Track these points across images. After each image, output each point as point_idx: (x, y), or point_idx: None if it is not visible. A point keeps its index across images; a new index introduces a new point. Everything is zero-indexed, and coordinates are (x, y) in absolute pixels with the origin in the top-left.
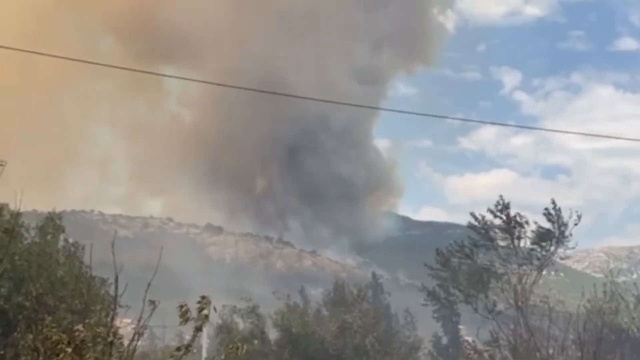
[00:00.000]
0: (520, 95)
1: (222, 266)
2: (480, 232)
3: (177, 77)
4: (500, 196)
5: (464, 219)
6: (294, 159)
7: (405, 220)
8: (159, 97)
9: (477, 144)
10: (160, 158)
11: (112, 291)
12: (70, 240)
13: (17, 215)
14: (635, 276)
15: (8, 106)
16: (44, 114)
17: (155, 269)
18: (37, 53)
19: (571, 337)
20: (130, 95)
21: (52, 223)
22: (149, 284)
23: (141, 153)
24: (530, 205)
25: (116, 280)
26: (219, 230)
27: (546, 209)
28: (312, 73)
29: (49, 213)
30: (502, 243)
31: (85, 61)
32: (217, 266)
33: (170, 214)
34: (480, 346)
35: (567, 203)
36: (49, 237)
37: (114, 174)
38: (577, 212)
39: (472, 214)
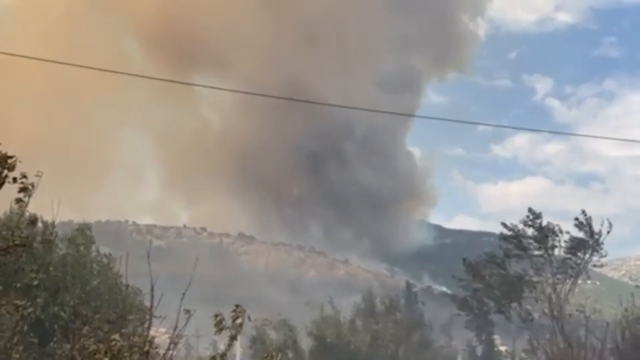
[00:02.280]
0: (553, 103)
1: (254, 275)
2: (513, 241)
3: (204, 86)
4: (529, 208)
5: (497, 227)
6: (322, 168)
7: (438, 229)
8: (189, 104)
9: (510, 152)
10: (191, 166)
11: (146, 301)
12: (103, 251)
13: (52, 226)
14: None
15: (41, 115)
16: (77, 122)
17: (190, 279)
18: (71, 64)
19: (609, 346)
20: (162, 102)
21: (82, 234)
22: (183, 294)
23: (173, 160)
24: (565, 213)
25: (152, 290)
26: (251, 239)
27: (576, 218)
28: (339, 81)
29: (79, 225)
30: (535, 252)
31: (118, 72)
32: (250, 276)
33: (203, 222)
34: (517, 356)
35: (602, 211)
36: (81, 248)
37: (147, 183)
38: (608, 220)
39: (504, 224)
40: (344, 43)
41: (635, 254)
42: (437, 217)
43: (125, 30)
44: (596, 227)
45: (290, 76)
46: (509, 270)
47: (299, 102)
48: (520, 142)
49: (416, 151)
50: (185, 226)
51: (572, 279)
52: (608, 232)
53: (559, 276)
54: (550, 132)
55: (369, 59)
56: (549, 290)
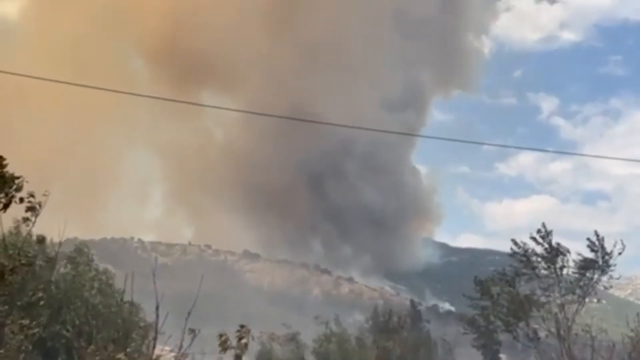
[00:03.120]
0: (558, 121)
1: (259, 293)
2: (522, 260)
3: (209, 106)
4: (543, 224)
5: (503, 246)
6: (326, 185)
7: (443, 247)
8: (194, 122)
9: (515, 170)
10: (196, 183)
11: (149, 318)
12: (107, 268)
13: (59, 245)
14: None
15: (47, 135)
16: (83, 141)
17: (195, 297)
18: (77, 85)
19: None
20: (167, 120)
21: (81, 253)
22: (189, 313)
23: (178, 178)
24: (571, 231)
25: (157, 309)
26: (255, 257)
27: (588, 239)
28: (343, 99)
29: (78, 244)
30: (544, 272)
31: (125, 92)
32: (255, 293)
33: (208, 240)
34: None
35: (609, 229)
36: (80, 267)
37: (153, 200)
38: (621, 240)
39: (514, 241)
40: (347, 62)
41: None
42: (442, 235)
43: (131, 49)
44: (606, 246)
45: (293, 95)
46: (518, 288)
47: (303, 121)
48: (525, 161)
49: (421, 169)
50: (190, 243)
51: (580, 299)
52: (620, 254)
53: (567, 296)
54: (555, 152)
55: (373, 78)
56: (555, 309)
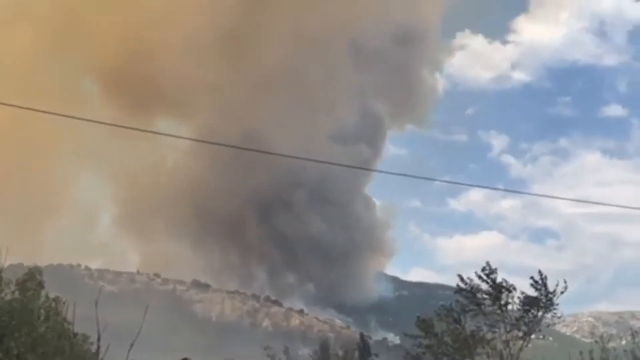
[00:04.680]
0: (508, 159)
1: (207, 324)
2: (468, 296)
3: (157, 133)
4: (487, 262)
5: (453, 280)
6: (275, 215)
7: (395, 280)
8: (145, 148)
9: (466, 206)
10: (145, 210)
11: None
12: (52, 295)
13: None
14: (624, 342)
15: None
16: (31, 164)
17: (140, 327)
18: (26, 108)
19: None
20: (118, 145)
21: (32, 279)
22: (131, 345)
23: (127, 204)
24: (519, 268)
25: (98, 340)
26: (205, 287)
27: (532, 277)
28: (296, 130)
29: (30, 269)
30: (489, 308)
31: (76, 117)
32: (203, 324)
33: (158, 267)
34: None
35: (556, 267)
36: (29, 292)
37: (101, 227)
38: (564, 280)
39: (460, 277)
40: (301, 92)
41: (588, 311)
42: (394, 269)
43: (82, 73)
44: (551, 283)
45: (245, 123)
46: (464, 325)
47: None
48: (476, 197)
49: (375, 202)
50: (138, 272)
51: (525, 336)
52: (562, 293)
53: (512, 333)
54: (505, 190)
55: (327, 109)
56: (500, 346)
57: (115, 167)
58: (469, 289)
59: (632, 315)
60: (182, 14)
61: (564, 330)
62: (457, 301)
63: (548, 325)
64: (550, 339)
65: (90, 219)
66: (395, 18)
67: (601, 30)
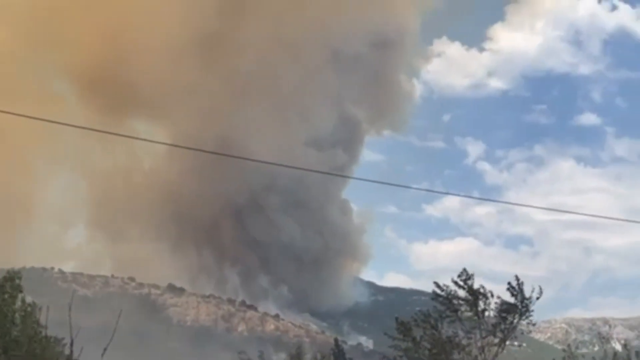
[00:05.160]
0: (484, 166)
1: (182, 329)
2: (445, 302)
3: (134, 137)
4: (464, 268)
5: (428, 286)
6: (250, 220)
7: (371, 285)
8: (121, 150)
9: (442, 212)
10: (121, 211)
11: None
12: (28, 299)
13: None
14: (597, 348)
15: None
16: (1, 166)
17: (113, 331)
18: (2, 112)
19: None
20: (92, 145)
21: (10, 282)
22: (105, 349)
23: (102, 207)
24: (494, 274)
25: (71, 344)
26: (180, 291)
27: (509, 283)
28: (272, 135)
29: (8, 272)
30: (466, 314)
31: (51, 121)
32: (177, 329)
33: (132, 271)
34: None
35: (530, 274)
36: (6, 296)
37: (75, 229)
38: (540, 287)
39: (437, 284)
40: (279, 97)
41: (561, 317)
42: (370, 274)
43: (59, 73)
44: (525, 290)
45: (221, 127)
46: (441, 331)
47: (230, 153)
48: (451, 203)
49: (351, 207)
50: (112, 276)
51: (501, 342)
52: (537, 298)
53: (487, 339)
54: (479, 198)
55: (303, 113)
56: (475, 352)
57: (90, 169)
58: (445, 295)
59: (605, 321)
60: (159, 17)
61: (537, 336)
62: (435, 307)
63: (523, 332)
64: (525, 345)
65: (64, 221)
66: (374, 24)
67: (576, 40)
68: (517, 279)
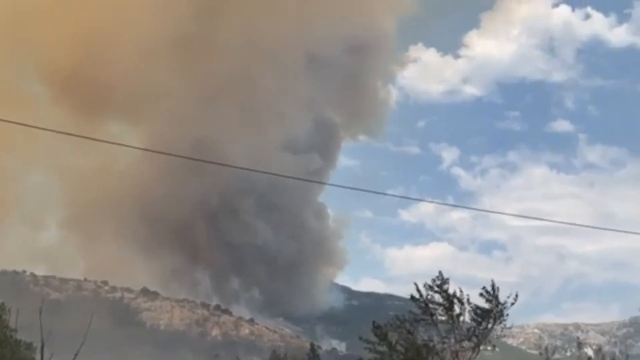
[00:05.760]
0: (459, 171)
1: (155, 333)
2: (421, 306)
3: (103, 141)
4: (440, 272)
5: (403, 291)
6: (224, 223)
7: (346, 290)
8: (94, 150)
9: (417, 217)
10: (95, 213)
11: (39, 357)
12: None
13: None
14: (569, 354)
15: None
16: None
17: (84, 336)
18: None
19: None
20: (66, 146)
21: None
22: (76, 354)
23: (75, 208)
24: (468, 279)
25: (42, 348)
26: (154, 295)
27: (484, 288)
28: (247, 139)
29: None
30: (441, 318)
31: (25, 125)
32: (151, 333)
33: (106, 274)
34: None
35: (503, 279)
36: None
37: (48, 232)
38: (516, 292)
39: (416, 287)
40: (254, 101)
41: (534, 322)
42: (345, 279)
43: (33, 74)
44: (499, 294)
45: (196, 131)
46: (417, 335)
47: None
48: (426, 209)
49: (327, 212)
50: (85, 279)
51: (475, 347)
52: (512, 304)
53: (462, 343)
54: (452, 205)
55: (280, 118)
56: (449, 357)
57: (63, 170)
58: (423, 299)
59: (577, 327)
60: (134, 19)
61: (510, 341)
62: (410, 311)
63: (498, 337)
64: (498, 349)
65: (36, 223)
66: (350, 29)
67: (550, 47)
68: (493, 284)
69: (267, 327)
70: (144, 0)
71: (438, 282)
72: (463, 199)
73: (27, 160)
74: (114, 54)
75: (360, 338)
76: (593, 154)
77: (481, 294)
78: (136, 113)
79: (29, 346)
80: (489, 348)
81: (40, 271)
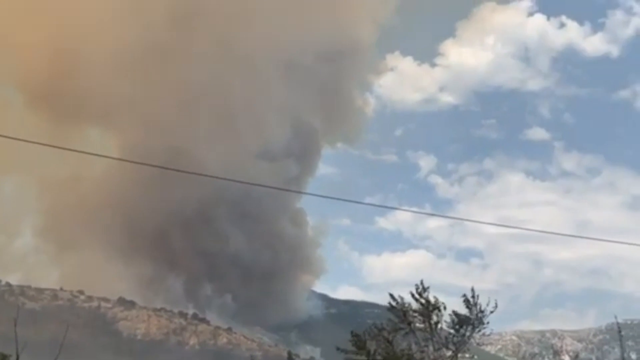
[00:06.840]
0: (436, 179)
1: (132, 343)
2: (399, 315)
3: (77, 151)
4: (421, 281)
5: (380, 298)
6: (199, 231)
7: (324, 298)
8: (70, 158)
9: (395, 225)
10: (71, 225)
11: None
12: None
13: None
14: None
15: None
16: None
17: (60, 347)
18: None
19: None
20: (41, 153)
21: None
22: None
23: (51, 216)
24: (446, 286)
25: (17, 358)
26: (131, 304)
27: (464, 295)
28: (223, 147)
29: None
30: (419, 326)
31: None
32: (128, 343)
33: (82, 283)
34: None
35: (481, 286)
36: None
37: (23, 241)
38: (495, 300)
39: (392, 296)
40: (230, 109)
41: (511, 329)
42: (323, 287)
43: (7, 81)
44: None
45: (171, 139)
46: (395, 344)
47: (181, 164)
48: (403, 217)
49: (305, 220)
50: (61, 288)
51: (453, 355)
52: (492, 312)
53: (440, 351)
54: (429, 214)
55: (256, 126)
56: None
57: (39, 177)
58: (400, 307)
59: (554, 333)
60: (109, 27)
61: (488, 348)
62: (389, 320)
63: (477, 344)
64: (476, 357)
65: (11, 231)
66: (327, 37)
67: (525, 56)
68: (473, 291)
69: (244, 336)
70: (120, 8)
71: (419, 290)
72: (440, 207)
73: (0, 167)
74: (89, 62)
75: (338, 349)
76: (569, 161)
77: (463, 301)
78: (112, 121)
79: (4, 357)
80: (467, 355)
81: (14, 280)
